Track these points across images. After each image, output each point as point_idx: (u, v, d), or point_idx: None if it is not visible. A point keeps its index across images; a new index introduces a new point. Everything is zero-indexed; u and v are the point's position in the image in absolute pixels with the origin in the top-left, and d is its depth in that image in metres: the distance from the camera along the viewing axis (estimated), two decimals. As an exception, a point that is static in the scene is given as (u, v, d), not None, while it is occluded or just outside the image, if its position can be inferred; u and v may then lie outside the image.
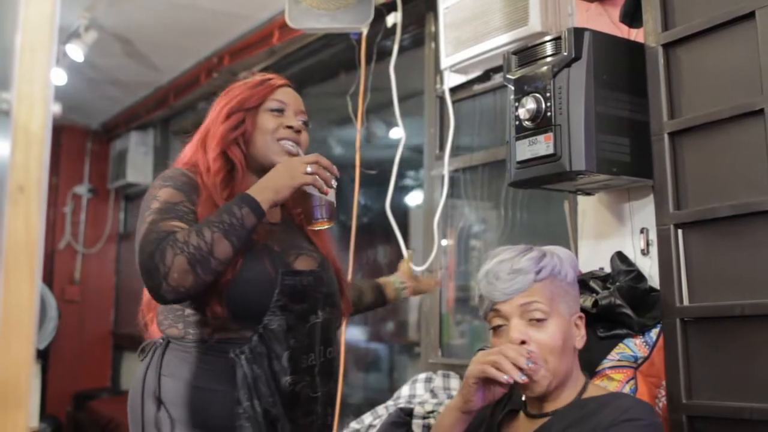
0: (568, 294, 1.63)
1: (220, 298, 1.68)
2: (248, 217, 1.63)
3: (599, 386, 1.65)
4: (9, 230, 0.77)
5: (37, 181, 0.80)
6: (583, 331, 1.64)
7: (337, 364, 1.89)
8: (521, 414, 1.67)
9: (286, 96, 1.91)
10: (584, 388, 1.62)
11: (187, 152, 1.90)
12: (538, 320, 1.58)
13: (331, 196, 1.79)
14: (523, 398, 1.67)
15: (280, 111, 1.88)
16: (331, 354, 1.83)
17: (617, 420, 1.47)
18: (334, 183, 1.75)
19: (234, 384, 1.68)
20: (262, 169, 1.83)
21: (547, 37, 2.11)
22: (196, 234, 1.59)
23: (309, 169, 1.68)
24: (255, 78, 1.94)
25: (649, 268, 2.18)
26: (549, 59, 2.08)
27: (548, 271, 1.61)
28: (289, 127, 1.86)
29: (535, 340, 1.56)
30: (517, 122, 2.13)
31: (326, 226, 1.82)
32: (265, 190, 1.67)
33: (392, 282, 2.31)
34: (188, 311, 1.75)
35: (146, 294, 1.78)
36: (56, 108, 0.78)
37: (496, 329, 1.61)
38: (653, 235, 2.13)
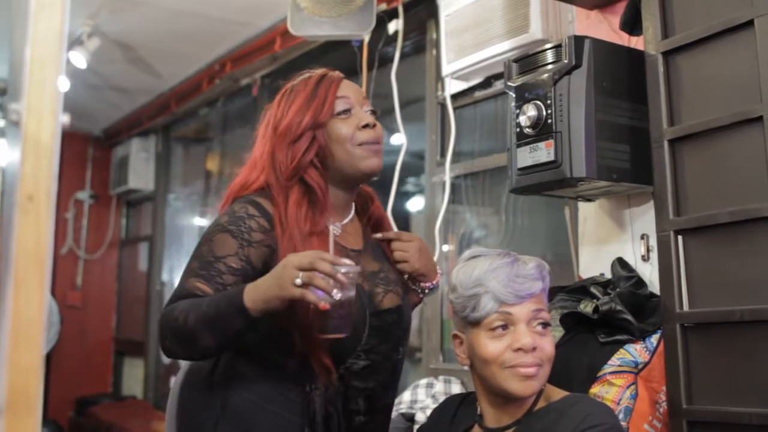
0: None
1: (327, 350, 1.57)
2: (232, 319, 1.46)
3: (557, 389, 1.62)
4: (19, 239, 0.79)
5: (46, 191, 0.81)
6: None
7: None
8: (477, 428, 1.65)
9: (347, 91, 1.72)
10: (540, 395, 1.59)
11: (255, 176, 1.71)
12: (544, 327, 1.58)
13: (345, 297, 1.46)
14: (479, 412, 1.66)
15: (347, 111, 1.70)
16: (396, 390, 1.78)
17: (578, 428, 1.45)
18: (337, 294, 1.43)
19: (305, 417, 1.60)
20: (352, 180, 1.72)
21: (548, 45, 2.12)
22: (184, 316, 1.49)
23: (298, 281, 1.40)
24: (309, 82, 1.72)
25: (650, 274, 2.19)
26: (550, 67, 2.09)
27: (548, 279, 1.62)
28: (365, 126, 1.69)
29: (540, 347, 1.55)
30: (518, 129, 2.14)
31: (338, 337, 1.51)
32: (257, 294, 1.45)
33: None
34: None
35: None
36: (65, 119, 0.79)
37: (493, 330, 1.56)
38: (653, 241, 2.14)
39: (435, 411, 1.84)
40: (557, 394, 1.61)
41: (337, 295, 1.44)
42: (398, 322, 1.72)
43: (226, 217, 1.63)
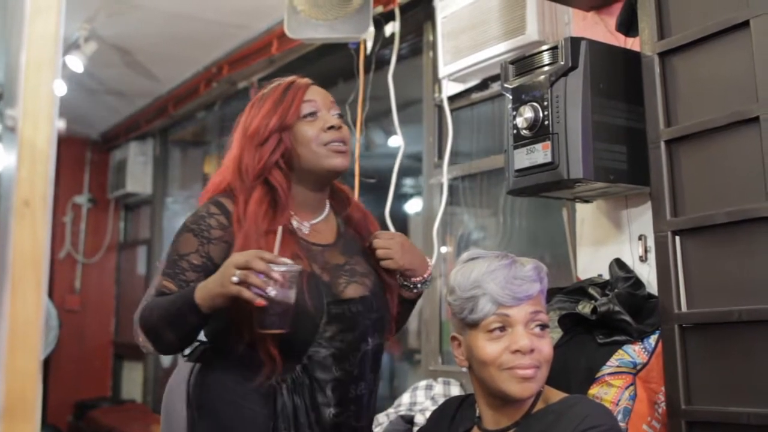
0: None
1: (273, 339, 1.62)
2: (188, 316, 1.57)
3: (555, 390, 1.62)
4: (15, 244, 0.79)
5: (42, 196, 0.81)
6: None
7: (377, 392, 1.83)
8: (476, 430, 1.65)
9: (314, 95, 1.80)
10: (539, 397, 1.59)
11: (222, 178, 1.80)
12: (542, 329, 1.58)
13: (283, 295, 1.52)
14: (477, 414, 1.66)
15: (313, 114, 1.78)
16: (377, 381, 1.80)
17: (577, 430, 1.45)
18: (271, 291, 1.50)
19: (272, 411, 1.64)
20: (319, 179, 1.79)
21: (544, 47, 2.13)
22: (149, 314, 1.62)
23: (235, 279, 1.48)
24: (277, 89, 1.81)
25: (648, 275, 2.19)
26: (546, 68, 2.09)
27: (546, 281, 1.62)
28: (330, 128, 1.76)
29: (538, 349, 1.55)
30: (515, 131, 2.14)
31: (277, 333, 1.57)
32: (205, 292, 1.54)
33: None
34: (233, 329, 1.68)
35: None
36: (61, 124, 0.79)
37: (491, 331, 1.56)
38: (651, 242, 2.14)
39: (434, 413, 1.84)
40: (556, 395, 1.61)
41: (272, 292, 1.49)
42: (364, 312, 1.74)
43: (191, 217, 1.74)
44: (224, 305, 1.54)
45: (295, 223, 1.77)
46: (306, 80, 1.84)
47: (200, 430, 1.68)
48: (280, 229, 1.65)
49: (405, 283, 1.87)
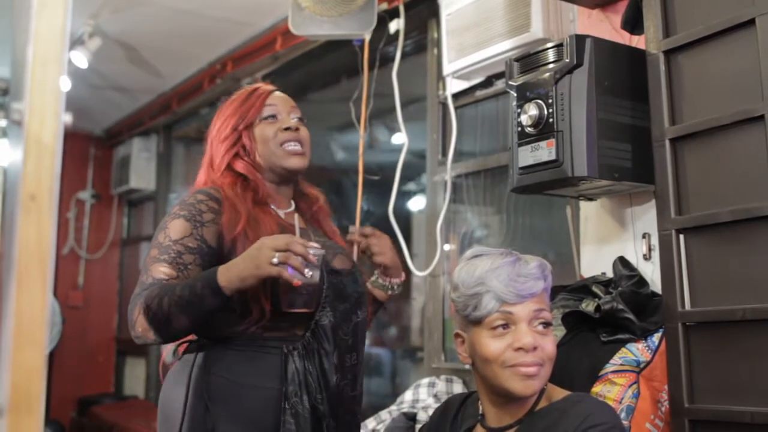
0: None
1: (268, 298, 1.71)
2: (208, 299, 1.61)
3: (559, 389, 1.62)
4: (21, 238, 0.79)
5: (48, 190, 0.81)
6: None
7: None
8: (479, 428, 1.66)
9: (275, 100, 1.95)
10: (542, 395, 1.59)
11: (201, 176, 1.94)
12: (545, 327, 1.58)
13: (313, 276, 1.67)
14: (480, 411, 1.66)
15: (274, 117, 1.92)
16: (363, 355, 1.87)
17: (580, 428, 1.45)
18: (309, 272, 1.64)
19: (284, 381, 1.70)
20: (278, 179, 1.93)
21: (549, 44, 2.12)
22: (158, 301, 1.62)
23: (275, 261, 1.58)
24: (242, 93, 1.97)
25: (651, 273, 2.19)
26: (551, 66, 2.09)
27: (550, 279, 1.62)
28: (287, 129, 1.90)
29: (541, 347, 1.55)
30: (519, 128, 2.14)
31: (304, 311, 1.72)
32: (232, 274, 1.62)
33: (372, 281, 2.08)
34: (236, 313, 1.75)
35: None
36: (67, 118, 0.80)
37: (494, 329, 1.56)
38: (655, 240, 2.14)
39: (437, 410, 1.84)
40: (559, 393, 1.61)
41: (308, 273, 1.63)
42: (352, 284, 1.85)
43: (178, 206, 1.81)
44: (253, 286, 1.64)
45: (273, 207, 1.90)
46: (270, 87, 1.99)
47: (219, 418, 1.70)
48: (296, 216, 1.83)
49: (383, 282, 2.04)
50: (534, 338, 1.54)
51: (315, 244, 1.68)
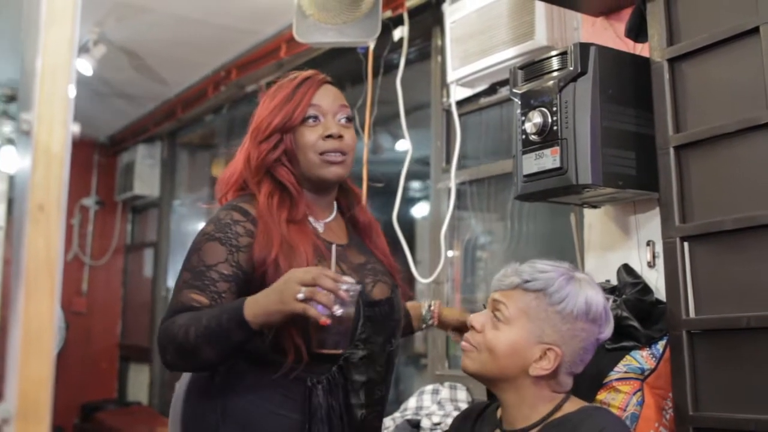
0: (550, 321, 1.58)
1: (300, 331, 1.58)
2: (234, 332, 1.48)
3: (577, 400, 1.63)
4: (29, 248, 0.79)
5: (56, 200, 0.81)
6: (546, 365, 1.57)
7: None
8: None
9: (322, 98, 1.76)
10: (558, 406, 1.59)
11: (235, 168, 1.78)
12: (498, 320, 1.60)
13: (345, 313, 1.48)
14: (498, 416, 1.67)
15: (316, 118, 1.74)
16: (391, 382, 1.79)
17: None
18: (338, 310, 1.45)
19: (306, 414, 1.61)
20: (316, 187, 1.77)
21: (553, 52, 2.12)
22: (185, 332, 1.50)
23: (301, 296, 1.42)
24: (291, 83, 1.77)
25: (656, 281, 2.19)
26: (555, 74, 2.09)
27: (538, 286, 1.60)
28: (329, 137, 1.72)
29: (487, 333, 1.60)
30: (523, 136, 2.14)
31: (335, 353, 1.56)
32: (258, 308, 1.47)
33: (420, 314, 2.05)
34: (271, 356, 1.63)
35: None
36: (75, 128, 0.80)
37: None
38: (659, 248, 2.14)
39: (458, 417, 1.87)
40: (575, 404, 1.61)
41: (338, 311, 1.45)
42: (390, 313, 1.74)
43: (212, 225, 1.66)
44: (280, 323, 1.50)
45: (312, 221, 1.75)
46: (321, 78, 1.80)
47: None
48: (333, 246, 1.62)
49: (429, 321, 2.03)
50: (478, 321, 1.62)
51: (349, 279, 1.51)
